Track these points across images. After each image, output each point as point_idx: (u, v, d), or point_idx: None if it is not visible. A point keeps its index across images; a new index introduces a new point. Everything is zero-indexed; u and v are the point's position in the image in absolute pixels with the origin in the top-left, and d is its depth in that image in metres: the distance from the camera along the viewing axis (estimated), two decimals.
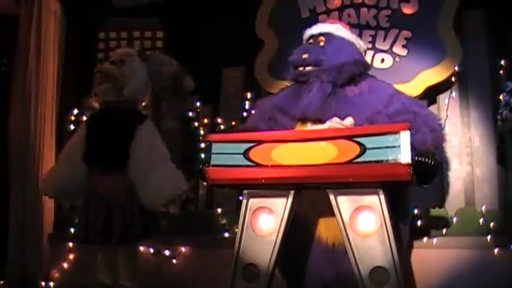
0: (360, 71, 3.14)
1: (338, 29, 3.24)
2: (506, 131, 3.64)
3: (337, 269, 2.90)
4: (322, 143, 2.56)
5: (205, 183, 3.38)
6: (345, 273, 2.82)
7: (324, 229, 2.96)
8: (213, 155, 2.72)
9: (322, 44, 3.17)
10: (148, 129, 3.53)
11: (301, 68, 3.13)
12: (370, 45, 4.06)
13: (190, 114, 4.60)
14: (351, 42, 3.22)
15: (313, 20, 4.20)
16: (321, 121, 3.00)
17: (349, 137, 2.53)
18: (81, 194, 3.52)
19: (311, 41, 3.26)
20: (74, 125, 4.61)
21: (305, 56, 3.13)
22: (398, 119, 2.90)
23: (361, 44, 3.33)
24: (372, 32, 4.17)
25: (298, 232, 2.85)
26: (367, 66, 3.28)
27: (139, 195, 3.37)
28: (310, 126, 2.96)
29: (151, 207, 3.42)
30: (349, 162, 2.49)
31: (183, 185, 3.44)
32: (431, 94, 4.07)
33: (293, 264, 3.00)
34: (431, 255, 3.75)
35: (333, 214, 2.63)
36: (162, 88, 3.71)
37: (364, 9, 4.24)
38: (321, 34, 3.21)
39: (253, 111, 3.74)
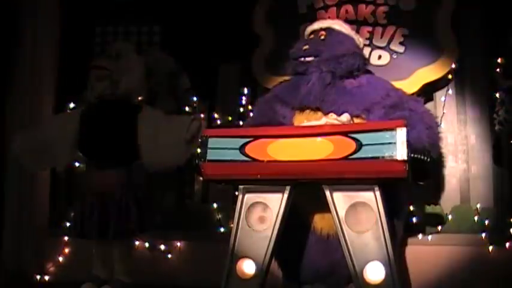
0: (358, 64, 3.19)
1: (338, 24, 3.33)
2: (502, 131, 3.64)
3: (331, 259, 2.91)
4: (318, 139, 2.56)
5: (201, 178, 3.39)
6: (338, 263, 2.83)
7: (318, 219, 2.97)
8: (209, 150, 2.71)
9: (322, 37, 3.24)
10: (149, 114, 3.55)
11: (301, 59, 3.18)
12: (367, 42, 4.06)
13: (187, 109, 4.59)
14: (350, 36, 3.29)
15: (311, 16, 4.21)
16: (319, 110, 3.04)
17: (345, 133, 2.53)
18: (45, 165, 3.55)
19: (312, 36, 3.32)
20: None
21: (305, 47, 3.21)
22: (395, 115, 2.92)
23: (360, 40, 3.41)
24: (370, 29, 4.17)
25: (293, 222, 2.86)
26: (366, 61, 3.34)
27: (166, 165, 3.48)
28: (306, 122, 2.97)
29: (178, 161, 3.52)
30: (345, 158, 2.49)
31: (186, 118, 3.55)
32: (428, 91, 4.07)
33: (288, 253, 3.01)
34: (426, 252, 3.76)
35: (328, 205, 2.64)
36: (157, 84, 3.71)
37: (361, 6, 4.23)
38: (321, 29, 3.28)
39: (249, 107, 3.75)
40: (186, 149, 3.46)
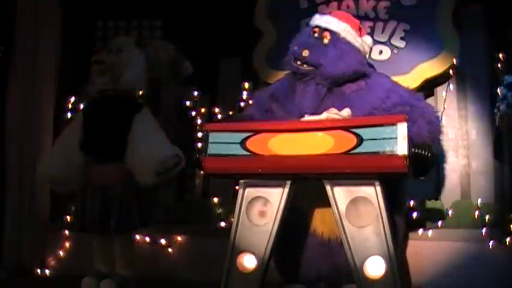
0: (358, 75, 3.06)
1: (345, 31, 3.09)
2: (503, 126, 3.64)
3: (332, 262, 2.91)
4: (319, 134, 2.55)
5: (202, 172, 3.38)
6: (340, 266, 2.84)
7: (319, 223, 2.96)
8: (210, 145, 2.71)
9: (326, 41, 3.05)
10: (146, 118, 3.54)
11: (299, 63, 3.04)
12: None
13: (188, 103, 4.60)
14: (355, 47, 3.09)
15: (312, 11, 4.19)
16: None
17: (346, 128, 2.53)
18: (76, 182, 3.51)
19: (316, 30, 3.10)
20: (71, 113, 4.61)
21: (306, 53, 3.02)
22: (395, 110, 2.90)
23: (366, 45, 3.19)
24: (371, 24, 4.16)
25: (293, 225, 2.86)
26: (367, 71, 3.14)
27: (135, 177, 3.37)
28: (307, 117, 2.95)
29: (145, 181, 3.40)
30: (346, 153, 2.48)
31: (173, 149, 3.42)
32: (429, 87, 4.08)
33: (288, 257, 3.01)
34: (427, 247, 3.77)
35: (328, 207, 2.63)
36: (162, 74, 3.71)
37: (363, 1, 4.23)
38: (327, 29, 3.07)
39: (250, 102, 3.73)
40: (153, 175, 3.36)
